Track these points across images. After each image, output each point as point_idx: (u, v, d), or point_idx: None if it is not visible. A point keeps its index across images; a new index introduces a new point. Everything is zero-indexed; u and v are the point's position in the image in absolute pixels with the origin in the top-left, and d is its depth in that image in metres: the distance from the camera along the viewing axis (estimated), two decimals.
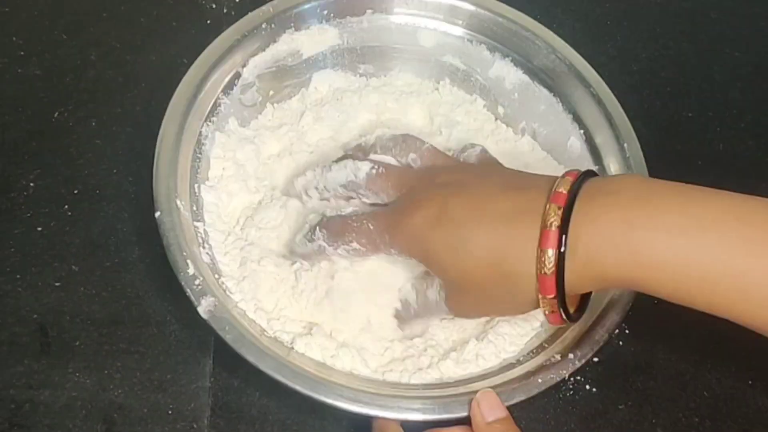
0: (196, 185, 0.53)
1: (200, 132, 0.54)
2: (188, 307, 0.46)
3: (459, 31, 0.62)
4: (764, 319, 0.39)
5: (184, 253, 0.47)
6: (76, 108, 0.60)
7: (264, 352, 0.45)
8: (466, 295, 0.46)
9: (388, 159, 0.52)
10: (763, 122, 0.67)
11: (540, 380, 0.47)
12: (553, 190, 0.42)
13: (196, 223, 0.51)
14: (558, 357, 0.48)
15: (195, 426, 0.49)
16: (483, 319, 0.53)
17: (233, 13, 0.66)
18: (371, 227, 0.47)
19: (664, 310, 0.56)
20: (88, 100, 0.61)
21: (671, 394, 0.54)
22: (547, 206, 0.41)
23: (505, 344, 0.51)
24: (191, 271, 0.47)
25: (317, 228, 0.49)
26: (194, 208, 0.51)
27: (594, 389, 0.53)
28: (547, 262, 0.41)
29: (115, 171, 0.58)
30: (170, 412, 0.50)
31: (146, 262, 0.54)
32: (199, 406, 0.50)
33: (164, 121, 0.52)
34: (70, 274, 0.54)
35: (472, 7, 0.61)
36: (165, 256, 0.47)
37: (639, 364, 0.55)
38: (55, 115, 0.60)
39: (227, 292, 0.49)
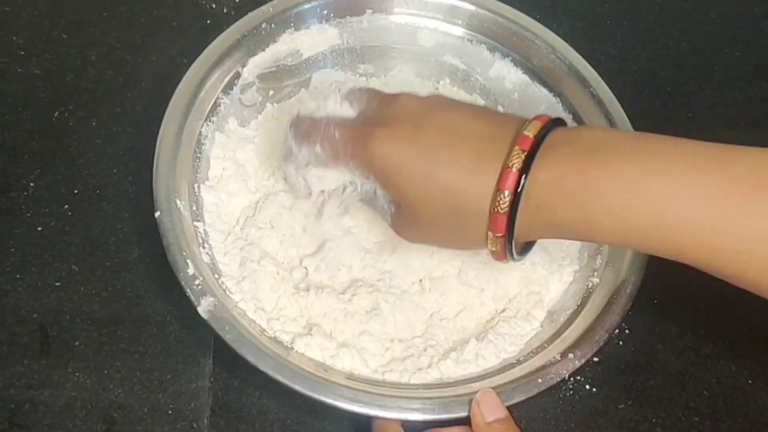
0: (195, 185, 0.53)
1: (200, 132, 0.54)
2: (188, 307, 0.46)
3: (459, 31, 0.62)
4: (709, 262, 0.40)
5: (184, 253, 0.47)
6: (76, 108, 0.60)
7: (264, 352, 0.45)
8: (415, 222, 0.46)
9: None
10: (763, 122, 0.67)
11: (540, 380, 0.47)
12: (521, 132, 0.42)
13: (195, 223, 0.51)
14: (558, 357, 0.48)
15: (195, 426, 0.49)
16: (483, 320, 0.53)
17: (233, 13, 0.66)
18: (336, 134, 0.47)
19: (664, 310, 0.56)
20: (88, 100, 0.61)
21: (671, 394, 0.54)
22: (512, 147, 0.42)
23: (505, 344, 0.51)
24: (191, 271, 0.47)
25: (288, 126, 0.49)
26: (194, 208, 0.52)
27: (594, 389, 0.53)
28: (501, 202, 0.42)
29: (115, 171, 0.58)
30: (170, 411, 0.50)
31: (146, 262, 0.54)
32: (199, 406, 0.50)
33: (164, 121, 0.52)
34: (70, 274, 0.54)
35: (472, 7, 0.61)
36: (165, 256, 0.47)
37: (639, 364, 0.54)
38: (55, 114, 0.60)
39: (227, 292, 0.49)
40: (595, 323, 0.49)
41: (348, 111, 0.49)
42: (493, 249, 0.44)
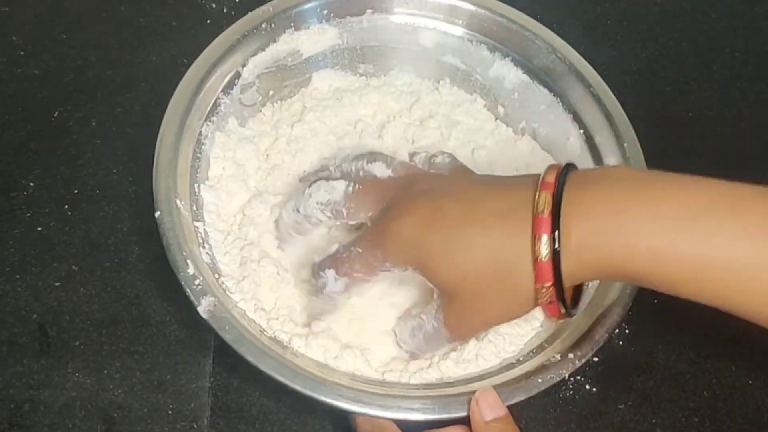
0: (195, 185, 0.53)
1: (200, 132, 0.54)
2: (188, 307, 0.46)
3: (459, 30, 0.62)
4: (754, 308, 0.40)
5: (184, 253, 0.47)
6: (76, 108, 0.60)
7: (264, 352, 0.45)
8: (464, 306, 0.45)
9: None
10: (763, 122, 0.67)
11: (540, 380, 0.47)
12: (541, 180, 0.42)
13: (195, 223, 0.51)
14: (558, 357, 0.48)
15: (195, 426, 0.49)
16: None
17: (233, 13, 0.66)
18: (360, 250, 0.46)
19: (664, 310, 0.56)
20: (88, 100, 0.61)
21: (671, 394, 0.54)
22: (537, 195, 0.42)
23: (505, 344, 0.51)
24: (191, 270, 0.47)
25: (313, 275, 0.48)
26: (194, 208, 0.51)
27: (594, 389, 0.53)
28: (542, 249, 0.41)
29: (115, 171, 0.58)
30: (170, 412, 0.50)
31: (146, 262, 0.54)
32: (199, 406, 0.50)
33: (164, 121, 0.52)
34: (70, 274, 0.54)
35: (472, 7, 0.61)
36: (165, 256, 0.47)
37: (639, 364, 0.55)
38: (55, 115, 0.60)
39: (227, 292, 0.49)
40: (595, 323, 0.49)
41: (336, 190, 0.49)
42: (545, 301, 0.43)
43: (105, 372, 0.50)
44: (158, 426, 0.49)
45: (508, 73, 0.62)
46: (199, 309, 0.46)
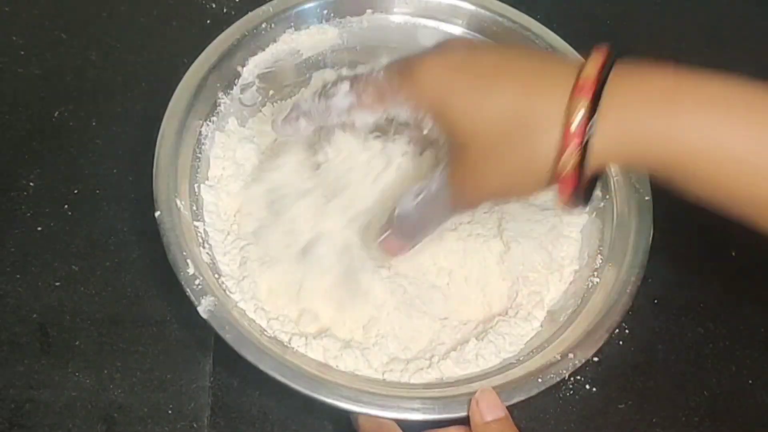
0: (196, 185, 0.53)
1: (200, 131, 0.55)
2: (188, 307, 0.46)
3: (459, 30, 0.62)
4: None
5: (184, 253, 0.47)
6: (76, 108, 0.60)
7: (263, 352, 0.45)
8: (475, 161, 0.41)
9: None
10: None
11: (540, 380, 0.47)
12: (591, 54, 0.39)
13: (195, 223, 0.51)
14: (558, 357, 0.48)
15: (195, 426, 0.49)
16: (482, 316, 0.53)
17: (233, 13, 0.66)
18: (380, 75, 0.43)
19: (664, 310, 0.56)
20: (88, 100, 0.61)
21: (671, 394, 0.54)
22: (585, 63, 0.39)
23: (505, 344, 0.51)
24: (191, 270, 0.47)
25: (332, 83, 0.45)
26: (194, 208, 0.52)
27: (594, 389, 0.53)
28: (577, 113, 0.38)
29: (115, 171, 0.58)
30: (170, 411, 0.50)
31: (146, 262, 0.54)
32: (199, 405, 0.50)
33: (164, 121, 0.52)
34: (70, 274, 0.54)
35: (472, 7, 0.61)
36: (165, 255, 0.47)
37: (639, 364, 0.54)
38: (56, 114, 0.60)
39: (227, 292, 0.49)
40: (595, 323, 0.49)
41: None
42: (564, 170, 0.39)
43: (105, 372, 0.50)
44: (158, 426, 0.49)
45: None
46: (199, 309, 0.46)
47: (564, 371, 0.47)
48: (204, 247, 0.51)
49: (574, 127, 0.38)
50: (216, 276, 0.49)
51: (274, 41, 0.59)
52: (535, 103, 0.39)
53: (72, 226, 0.55)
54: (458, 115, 0.41)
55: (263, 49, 0.58)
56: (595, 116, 0.38)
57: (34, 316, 0.52)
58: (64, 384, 0.50)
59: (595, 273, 0.52)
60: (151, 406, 0.50)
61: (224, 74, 0.56)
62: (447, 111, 0.41)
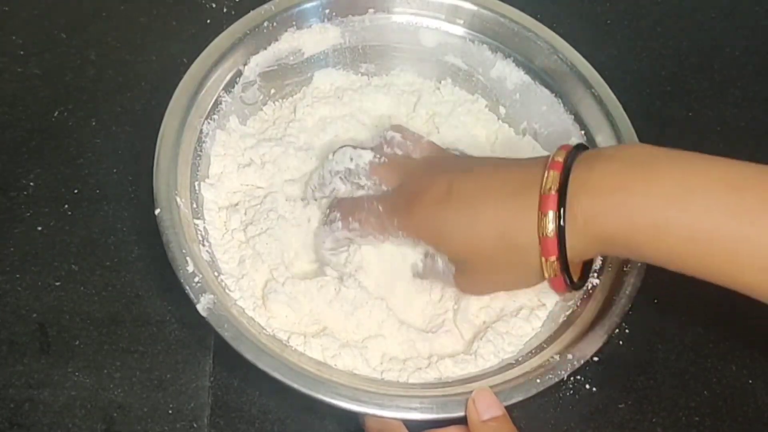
0: (196, 183, 0.53)
1: (201, 130, 0.55)
2: (188, 307, 0.46)
3: (461, 30, 0.62)
4: (752, 283, 0.40)
5: (184, 251, 0.47)
6: (76, 108, 0.60)
7: (263, 350, 0.45)
8: (475, 274, 0.48)
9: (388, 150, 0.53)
10: (763, 122, 0.67)
11: (539, 380, 0.47)
12: (550, 160, 0.44)
13: (195, 221, 0.51)
14: (557, 357, 0.48)
15: (195, 425, 0.49)
16: (480, 321, 0.53)
17: (233, 12, 0.66)
18: (380, 208, 0.49)
19: (664, 310, 0.56)
20: (88, 99, 0.61)
21: (671, 394, 0.54)
22: (546, 173, 0.43)
23: (504, 344, 0.51)
24: (190, 268, 0.47)
25: (330, 209, 0.51)
26: (194, 206, 0.52)
27: (594, 389, 0.53)
28: (547, 224, 0.43)
29: (115, 171, 0.58)
30: (170, 411, 0.50)
31: (146, 261, 0.54)
32: (198, 405, 0.50)
33: (165, 119, 0.52)
34: (69, 274, 0.54)
35: (473, 7, 0.61)
36: (165, 255, 0.47)
37: (639, 363, 0.54)
38: (55, 114, 0.60)
39: (226, 290, 0.49)
40: (595, 323, 0.49)
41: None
42: (550, 275, 0.45)
43: (105, 371, 0.50)
44: (158, 425, 0.49)
45: (509, 74, 0.62)
46: (198, 306, 0.46)
47: (563, 372, 0.47)
48: (204, 245, 0.50)
49: (547, 234, 0.43)
50: (215, 274, 0.49)
51: (276, 40, 0.59)
52: (513, 222, 0.45)
53: (72, 226, 0.55)
54: (452, 244, 0.47)
55: (265, 48, 0.58)
56: (564, 221, 0.42)
57: (34, 315, 0.52)
58: (63, 383, 0.50)
59: (595, 273, 0.52)
60: (150, 405, 0.50)
61: (226, 72, 0.56)
62: (443, 239, 0.47)
